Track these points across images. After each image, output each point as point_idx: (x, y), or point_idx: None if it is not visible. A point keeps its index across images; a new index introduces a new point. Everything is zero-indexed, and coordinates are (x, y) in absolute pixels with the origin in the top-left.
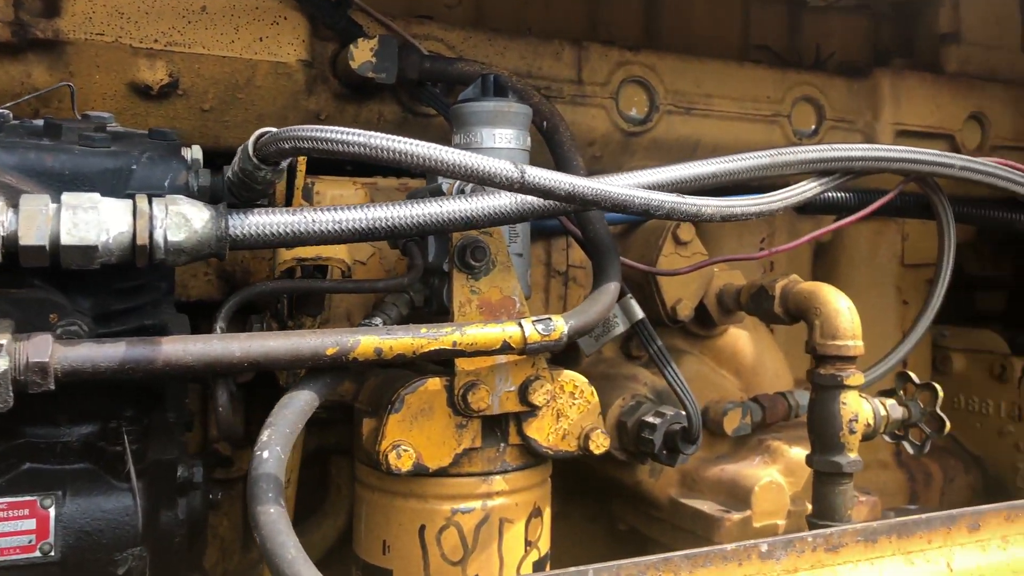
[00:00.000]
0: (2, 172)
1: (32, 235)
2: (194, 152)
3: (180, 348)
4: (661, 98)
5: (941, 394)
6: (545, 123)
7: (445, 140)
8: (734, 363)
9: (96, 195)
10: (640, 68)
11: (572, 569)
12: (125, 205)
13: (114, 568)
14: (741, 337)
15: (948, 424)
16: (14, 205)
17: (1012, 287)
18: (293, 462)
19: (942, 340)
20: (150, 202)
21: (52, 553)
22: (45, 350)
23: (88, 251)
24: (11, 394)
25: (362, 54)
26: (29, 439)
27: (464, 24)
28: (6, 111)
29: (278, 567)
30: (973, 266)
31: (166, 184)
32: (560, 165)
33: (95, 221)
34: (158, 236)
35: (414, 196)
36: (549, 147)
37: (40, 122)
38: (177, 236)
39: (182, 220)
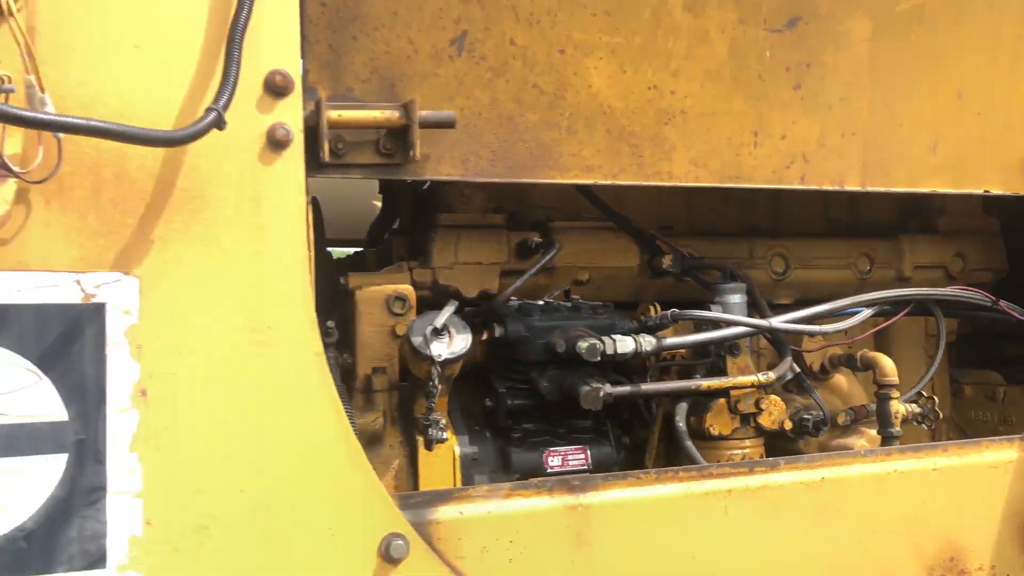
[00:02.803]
0: (583, 328)
1: (615, 347)
2: (611, 308)
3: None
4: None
5: None
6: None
7: (671, 287)
8: None
9: (619, 335)
10: None
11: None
12: (630, 338)
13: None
14: None
15: None
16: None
17: None
18: None
19: None
20: (636, 336)
21: (588, 466)
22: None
23: (623, 354)
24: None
25: (666, 262)
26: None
27: (685, 232)
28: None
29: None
30: None
31: (623, 326)
32: (754, 305)
33: (625, 342)
34: (641, 349)
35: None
36: (749, 298)
37: (569, 303)
38: (646, 348)
39: (646, 340)
